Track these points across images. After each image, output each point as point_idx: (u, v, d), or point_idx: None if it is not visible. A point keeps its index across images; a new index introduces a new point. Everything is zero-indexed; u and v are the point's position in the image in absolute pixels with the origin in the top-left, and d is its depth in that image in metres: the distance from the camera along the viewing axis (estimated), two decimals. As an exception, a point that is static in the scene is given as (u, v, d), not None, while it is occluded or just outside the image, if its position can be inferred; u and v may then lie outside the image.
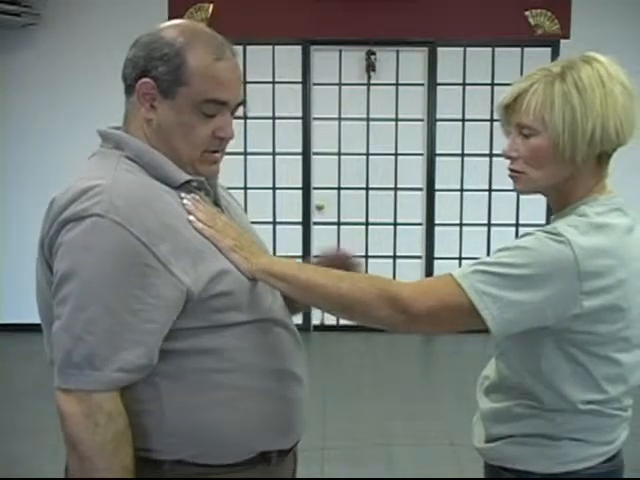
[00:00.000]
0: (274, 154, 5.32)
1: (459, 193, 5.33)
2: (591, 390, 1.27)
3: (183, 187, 1.23)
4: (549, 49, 5.13)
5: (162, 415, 1.17)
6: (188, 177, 1.23)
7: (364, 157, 5.34)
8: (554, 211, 1.36)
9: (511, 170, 1.34)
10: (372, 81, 5.25)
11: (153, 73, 1.19)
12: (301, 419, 1.31)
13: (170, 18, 5.01)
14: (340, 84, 5.29)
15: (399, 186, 5.36)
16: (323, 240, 5.31)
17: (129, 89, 1.23)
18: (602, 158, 1.29)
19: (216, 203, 1.31)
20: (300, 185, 5.32)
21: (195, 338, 1.17)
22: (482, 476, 1.45)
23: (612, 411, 1.30)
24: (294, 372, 1.28)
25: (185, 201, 1.19)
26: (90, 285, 1.09)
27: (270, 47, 5.21)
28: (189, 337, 1.16)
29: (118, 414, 1.11)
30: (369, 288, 1.23)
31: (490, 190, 5.31)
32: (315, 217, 5.36)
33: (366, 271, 5.55)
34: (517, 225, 5.28)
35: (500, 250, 1.25)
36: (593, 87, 1.24)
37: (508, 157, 1.34)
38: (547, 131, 1.26)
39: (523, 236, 1.26)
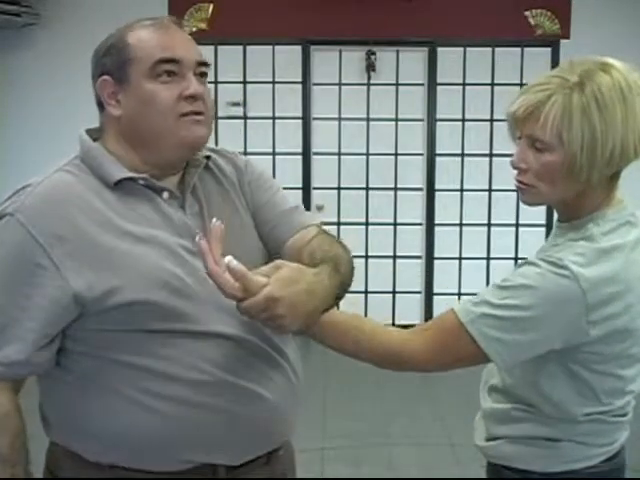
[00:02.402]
0: (274, 154, 5.31)
1: (459, 193, 5.33)
2: (592, 404, 1.27)
3: (125, 187, 1.19)
4: (549, 49, 5.13)
5: (86, 417, 1.18)
6: (127, 174, 1.19)
7: (364, 157, 5.34)
8: (561, 219, 1.33)
9: (519, 181, 1.29)
10: (372, 81, 5.25)
11: (105, 69, 1.21)
12: (255, 436, 1.24)
13: (170, 18, 5.02)
14: (340, 84, 5.29)
15: (399, 186, 5.36)
16: (323, 240, 5.30)
17: (99, 104, 1.24)
18: (615, 173, 1.25)
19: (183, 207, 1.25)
20: (300, 185, 5.32)
21: (115, 341, 1.16)
22: (482, 476, 1.45)
23: (612, 419, 1.30)
24: (247, 387, 1.21)
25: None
26: None
27: (270, 47, 5.21)
28: (107, 340, 1.16)
29: None
30: (382, 354, 1.28)
31: (490, 190, 5.30)
32: (315, 217, 5.35)
33: (366, 271, 5.52)
34: (517, 225, 5.28)
35: (504, 288, 1.22)
36: (614, 102, 1.18)
37: (516, 168, 1.28)
38: (563, 148, 1.20)
39: (525, 265, 1.23)
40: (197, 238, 1.05)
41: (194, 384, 1.17)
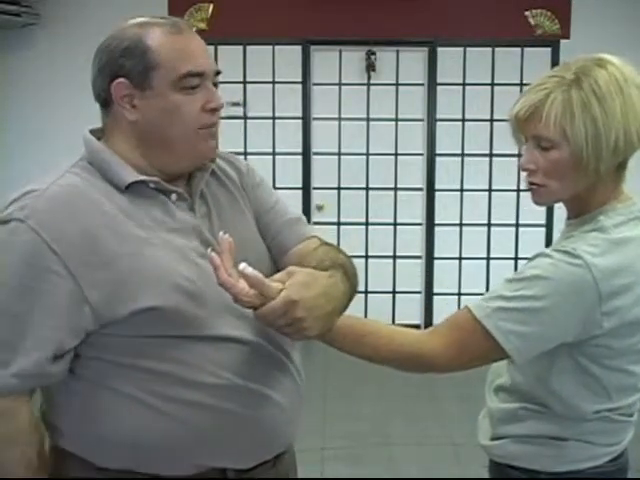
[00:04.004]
0: (274, 154, 5.32)
1: (459, 193, 5.32)
2: (601, 401, 1.27)
3: (135, 189, 1.18)
4: (549, 49, 5.13)
5: (97, 422, 1.16)
6: (138, 177, 1.17)
7: (364, 157, 5.34)
8: (570, 216, 1.34)
9: (530, 183, 1.30)
10: (372, 81, 5.25)
11: (123, 71, 1.17)
12: (265, 439, 1.24)
13: (170, 18, 5.02)
14: (340, 84, 5.29)
15: (399, 186, 5.36)
16: (323, 240, 5.30)
17: (105, 102, 1.21)
18: (621, 164, 1.27)
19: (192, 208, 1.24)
20: (300, 185, 5.32)
21: (128, 346, 1.14)
22: (483, 476, 1.45)
23: (620, 417, 1.31)
24: (257, 391, 1.20)
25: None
26: None
27: (270, 47, 5.21)
28: (121, 345, 1.14)
29: (10, 415, 1.11)
30: (401, 356, 1.28)
31: (490, 190, 5.30)
32: (315, 217, 5.36)
33: (366, 271, 5.51)
34: (517, 225, 5.27)
35: (517, 280, 1.23)
36: (612, 94, 1.21)
37: (525, 170, 1.30)
38: (569, 143, 1.22)
39: (538, 257, 1.24)
40: (208, 251, 1.05)
41: (207, 388, 1.16)
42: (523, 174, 1.32)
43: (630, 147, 1.23)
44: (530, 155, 1.28)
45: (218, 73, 1.24)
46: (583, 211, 1.29)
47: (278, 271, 1.17)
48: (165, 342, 1.15)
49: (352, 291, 1.19)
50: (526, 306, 1.20)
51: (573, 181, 1.26)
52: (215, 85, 1.22)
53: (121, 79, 1.17)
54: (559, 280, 1.19)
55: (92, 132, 1.25)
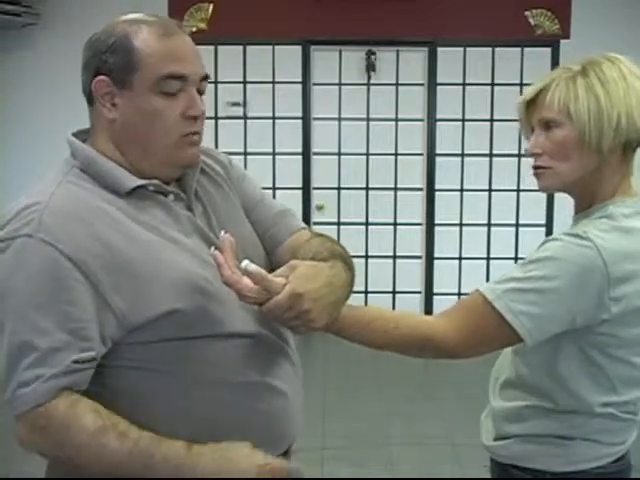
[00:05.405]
0: (274, 154, 5.32)
1: (459, 193, 5.33)
2: (607, 393, 1.27)
3: (136, 194, 1.15)
4: (549, 49, 5.13)
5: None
6: (139, 182, 1.15)
7: (364, 157, 5.34)
8: (578, 210, 1.35)
9: (536, 167, 1.33)
10: (372, 81, 5.25)
11: (105, 68, 1.13)
12: (280, 432, 1.24)
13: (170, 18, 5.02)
14: (340, 84, 5.29)
15: (399, 186, 5.36)
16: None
17: (90, 99, 1.17)
18: (627, 151, 1.28)
19: (189, 208, 1.23)
20: (300, 185, 5.32)
21: (150, 352, 1.12)
22: (482, 476, 1.45)
23: (626, 415, 1.31)
24: (270, 384, 1.20)
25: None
26: (20, 308, 1.05)
27: (270, 47, 5.21)
28: (141, 351, 1.12)
29: (72, 422, 1.05)
30: (411, 339, 1.26)
31: (490, 190, 5.30)
32: (315, 217, 5.36)
33: (366, 271, 5.50)
34: (517, 225, 5.27)
35: (528, 263, 1.24)
36: (615, 80, 1.24)
37: (532, 154, 1.32)
38: (572, 122, 1.26)
39: (549, 242, 1.25)
40: (211, 250, 1.05)
41: (229, 386, 1.16)
42: (530, 162, 1.34)
43: (633, 128, 1.24)
44: (536, 139, 1.31)
45: (205, 78, 1.20)
46: (590, 203, 1.31)
47: (271, 263, 1.16)
48: (186, 344, 1.13)
49: (353, 280, 1.20)
50: (537, 286, 1.20)
51: (578, 162, 1.27)
52: (201, 93, 1.19)
53: (102, 77, 1.14)
54: (569, 261, 1.20)
55: (76, 135, 1.22)
